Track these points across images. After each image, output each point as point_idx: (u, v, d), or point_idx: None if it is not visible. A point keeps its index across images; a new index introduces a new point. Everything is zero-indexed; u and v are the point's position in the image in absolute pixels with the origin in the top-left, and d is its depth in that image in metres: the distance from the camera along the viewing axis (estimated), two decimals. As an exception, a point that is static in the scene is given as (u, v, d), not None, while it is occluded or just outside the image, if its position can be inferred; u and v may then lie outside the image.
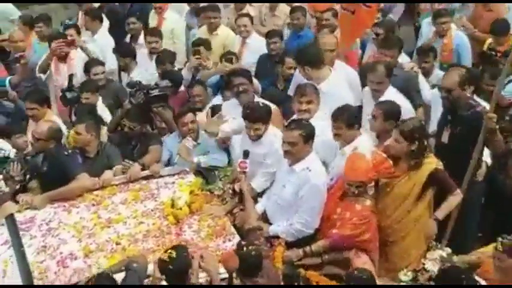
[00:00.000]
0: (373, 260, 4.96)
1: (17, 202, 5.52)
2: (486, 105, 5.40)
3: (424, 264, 5.07)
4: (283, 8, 8.52)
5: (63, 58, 7.56)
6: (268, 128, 5.34)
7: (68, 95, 6.94)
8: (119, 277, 4.32)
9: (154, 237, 5.03)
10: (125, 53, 7.76)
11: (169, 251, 4.20)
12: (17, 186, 5.68)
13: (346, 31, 6.70)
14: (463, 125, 5.25)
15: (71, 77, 7.51)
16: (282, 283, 4.66)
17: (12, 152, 6.19)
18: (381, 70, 5.76)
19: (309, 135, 4.90)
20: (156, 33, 7.99)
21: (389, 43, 6.64)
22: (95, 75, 7.19)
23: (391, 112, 5.29)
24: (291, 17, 8.10)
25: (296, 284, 4.70)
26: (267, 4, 8.64)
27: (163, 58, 7.41)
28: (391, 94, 5.78)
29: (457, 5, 8.63)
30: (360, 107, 6.01)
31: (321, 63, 5.95)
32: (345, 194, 4.92)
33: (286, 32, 8.34)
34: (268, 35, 7.62)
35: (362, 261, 4.74)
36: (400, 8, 8.79)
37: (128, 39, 8.45)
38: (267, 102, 5.69)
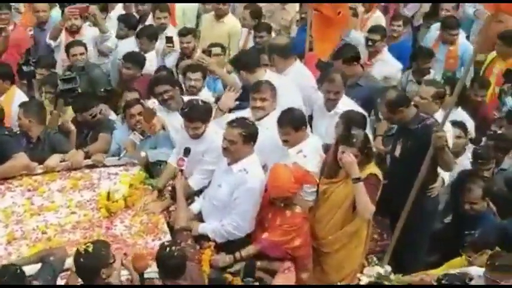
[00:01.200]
0: (306, 266, 4.85)
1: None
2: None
3: (359, 280, 4.97)
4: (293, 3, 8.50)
5: (75, 33, 7.55)
6: (210, 126, 5.19)
7: (25, 68, 6.85)
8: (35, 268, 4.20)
9: (83, 229, 4.88)
10: (126, 22, 7.87)
11: (88, 244, 4.06)
12: None
13: (319, 32, 6.47)
14: (413, 139, 5.10)
15: (28, 51, 7.45)
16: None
17: None
18: (339, 80, 5.61)
19: (249, 136, 4.76)
20: (165, 8, 7.90)
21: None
22: (73, 56, 7.03)
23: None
24: (300, 12, 8.08)
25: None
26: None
27: (142, 33, 7.43)
28: (346, 103, 5.64)
29: (471, 15, 8.52)
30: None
31: (255, 67, 5.88)
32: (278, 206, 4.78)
33: (294, 28, 8.36)
34: (255, 29, 7.54)
35: (284, 277, 4.60)
36: (415, 5, 8.73)
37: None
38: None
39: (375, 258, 5.10)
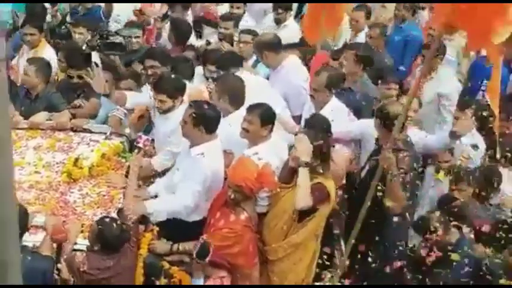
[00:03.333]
0: (249, 276, 4.64)
1: None
2: None
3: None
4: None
5: None
6: (180, 106, 5.06)
7: (58, 30, 7.00)
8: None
9: (39, 190, 4.91)
10: None
11: None
12: None
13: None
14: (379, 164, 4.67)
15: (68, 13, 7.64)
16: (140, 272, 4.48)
17: None
18: (322, 78, 5.37)
19: (199, 117, 4.61)
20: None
21: None
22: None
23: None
24: (396, 8, 7.75)
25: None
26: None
27: None
28: (335, 107, 5.38)
29: None
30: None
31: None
32: (228, 199, 4.60)
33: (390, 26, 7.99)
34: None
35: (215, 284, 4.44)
36: None
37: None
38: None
39: (328, 275, 4.87)
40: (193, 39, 7.26)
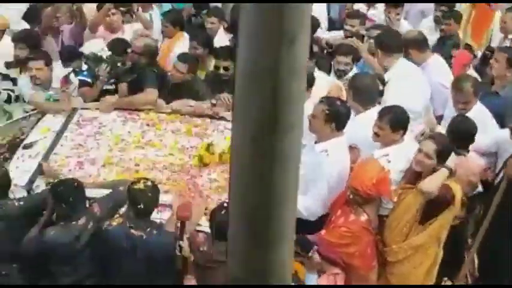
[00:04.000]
0: (365, 278, 4.58)
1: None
2: None
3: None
4: None
5: None
6: (310, 99, 5.01)
7: (194, 20, 7.24)
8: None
9: (171, 172, 5.12)
10: None
11: (143, 180, 4.35)
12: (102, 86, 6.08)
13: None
14: None
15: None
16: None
17: (106, 53, 6.22)
18: (468, 90, 5.16)
19: (332, 114, 4.58)
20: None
21: None
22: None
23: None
24: None
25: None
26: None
27: None
28: (478, 111, 5.12)
29: None
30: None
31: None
32: (347, 198, 4.56)
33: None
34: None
35: (328, 280, 4.40)
36: None
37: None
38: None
39: (449, 282, 4.70)
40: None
